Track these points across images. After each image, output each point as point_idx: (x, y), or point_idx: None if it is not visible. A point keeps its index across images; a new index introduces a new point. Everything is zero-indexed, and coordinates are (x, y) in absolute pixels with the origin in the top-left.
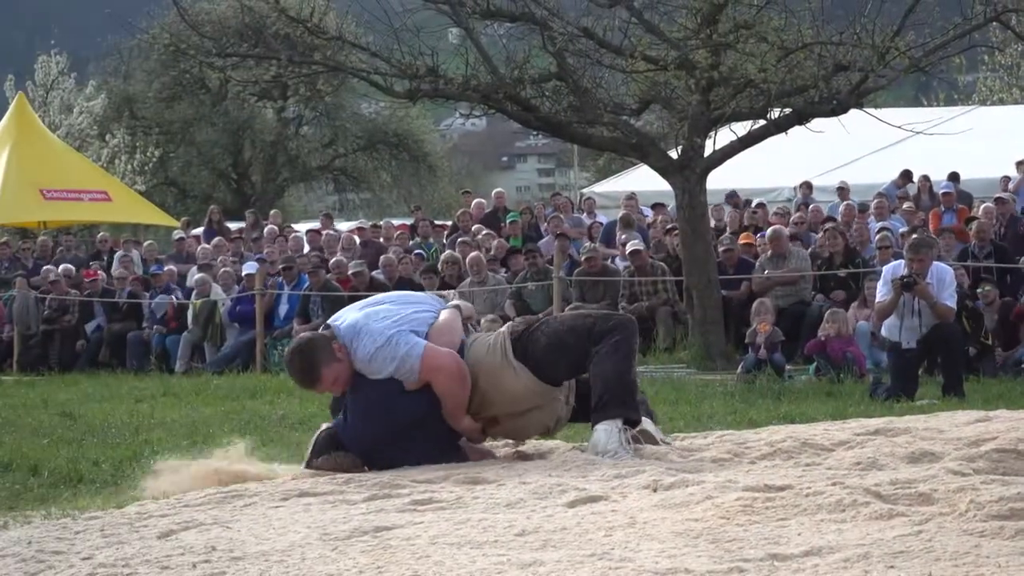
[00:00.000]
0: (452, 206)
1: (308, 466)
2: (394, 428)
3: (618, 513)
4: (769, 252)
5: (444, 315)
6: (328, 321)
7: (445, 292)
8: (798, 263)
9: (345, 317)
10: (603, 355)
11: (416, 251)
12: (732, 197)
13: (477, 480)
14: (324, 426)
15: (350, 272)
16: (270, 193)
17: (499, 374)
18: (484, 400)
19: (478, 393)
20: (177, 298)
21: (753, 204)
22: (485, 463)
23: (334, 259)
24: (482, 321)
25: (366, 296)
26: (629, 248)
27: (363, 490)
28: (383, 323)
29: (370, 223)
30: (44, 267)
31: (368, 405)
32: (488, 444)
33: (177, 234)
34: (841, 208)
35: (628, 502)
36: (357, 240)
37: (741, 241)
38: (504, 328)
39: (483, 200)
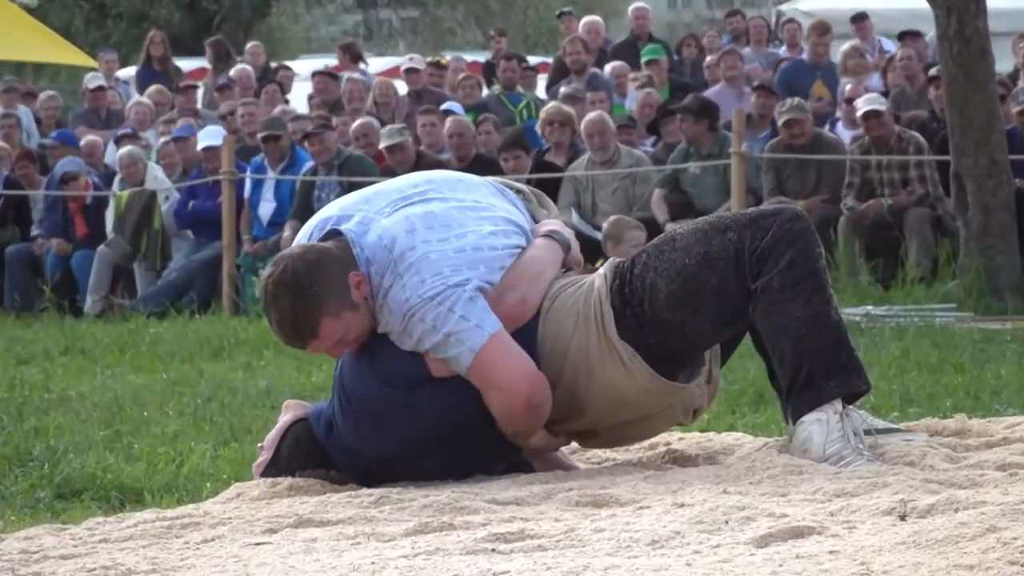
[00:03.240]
0: (557, 34)
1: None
2: (417, 438)
3: (841, 556)
4: None
5: (536, 250)
6: (323, 219)
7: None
8: None
9: (363, 218)
10: (775, 295)
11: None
12: None
13: (600, 500)
14: (287, 416)
15: (383, 145)
16: (246, 12)
17: (596, 367)
18: (573, 405)
19: (563, 393)
20: (91, 188)
21: None
22: (615, 474)
23: (359, 121)
24: (604, 225)
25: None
26: (862, 108)
27: (405, 515)
28: (444, 248)
29: (427, 59)
30: None
31: (380, 406)
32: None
33: (92, 80)
34: None
35: (858, 537)
36: (403, 88)
37: None
38: (602, 273)
39: (597, 19)
